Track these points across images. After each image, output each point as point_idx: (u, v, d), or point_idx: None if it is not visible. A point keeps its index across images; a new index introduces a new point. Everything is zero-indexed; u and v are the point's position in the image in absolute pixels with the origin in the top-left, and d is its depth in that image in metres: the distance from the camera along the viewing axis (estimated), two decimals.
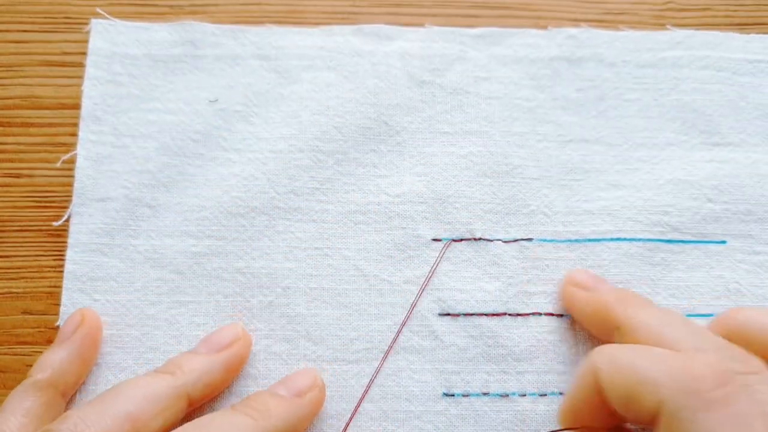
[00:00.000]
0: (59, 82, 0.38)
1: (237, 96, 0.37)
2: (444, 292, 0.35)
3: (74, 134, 0.36)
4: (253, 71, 0.38)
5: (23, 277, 0.35)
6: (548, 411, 0.33)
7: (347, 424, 0.33)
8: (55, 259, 0.35)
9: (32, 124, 0.37)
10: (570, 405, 0.29)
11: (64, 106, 0.37)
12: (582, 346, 0.34)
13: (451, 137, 0.37)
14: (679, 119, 0.38)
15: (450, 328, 0.34)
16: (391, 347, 0.34)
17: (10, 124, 0.37)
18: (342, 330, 0.34)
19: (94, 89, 0.37)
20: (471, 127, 0.37)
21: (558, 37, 0.39)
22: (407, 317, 0.34)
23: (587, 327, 0.33)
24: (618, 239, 0.36)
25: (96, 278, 0.34)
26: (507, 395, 0.33)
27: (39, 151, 0.37)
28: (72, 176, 0.36)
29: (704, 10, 0.40)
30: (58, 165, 0.36)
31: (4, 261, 0.35)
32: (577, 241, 0.36)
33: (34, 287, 0.35)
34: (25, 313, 0.35)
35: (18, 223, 0.36)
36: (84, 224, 0.35)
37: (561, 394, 0.33)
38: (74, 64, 0.38)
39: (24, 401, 0.30)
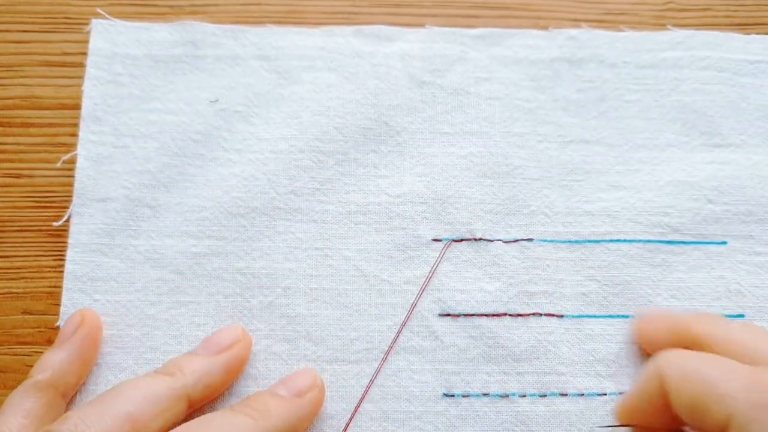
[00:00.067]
0: (59, 83, 0.37)
1: (237, 96, 0.37)
2: (444, 293, 0.35)
3: (74, 134, 0.36)
4: (254, 72, 0.38)
5: (23, 277, 0.35)
6: (548, 411, 0.33)
7: (347, 424, 0.33)
8: (55, 260, 0.35)
9: (32, 125, 0.37)
10: (630, 404, 0.28)
11: (64, 107, 0.37)
12: (583, 346, 0.34)
13: (452, 138, 0.37)
14: (680, 120, 0.38)
15: (450, 329, 0.34)
16: (391, 347, 0.34)
17: (10, 124, 0.37)
18: (342, 330, 0.34)
19: (95, 89, 0.37)
20: (471, 128, 0.37)
21: (558, 38, 0.39)
22: (407, 317, 0.34)
23: (658, 346, 0.31)
24: (618, 240, 0.36)
25: (96, 278, 0.34)
26: (507, 396, 0.33)
27: (39, 152, 0.37)
28: (72, 176, 0.36)
29: (705, 10, 0.40)
30: (59, 165, 0.36)
31: (4, 261, 0.35)
32: (577, 241, 0.36)
33: (34, 287, 0.35)
34: (25, 313, 0.35)
35: (18, 223, 0.36)
36: (84, 224, 0.35)
37: (561, 394, 0.33)
38: (74, 64, 0.38)
39: (24, 402, 0.30)
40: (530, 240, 0.36)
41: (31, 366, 0.31)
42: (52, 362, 0.31)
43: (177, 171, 0.36)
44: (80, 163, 0.36)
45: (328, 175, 0.36)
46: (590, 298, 0.35)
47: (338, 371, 0.33)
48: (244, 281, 0.35)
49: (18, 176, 0.36)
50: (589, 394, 0.33)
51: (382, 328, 0.34)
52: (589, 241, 0.36)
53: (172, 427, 0.29)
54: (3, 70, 0.38)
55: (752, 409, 0.23)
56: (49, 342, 0.34)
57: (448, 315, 0.34)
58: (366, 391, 0.33)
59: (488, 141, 0.37)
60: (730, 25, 0.40)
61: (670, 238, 0.36)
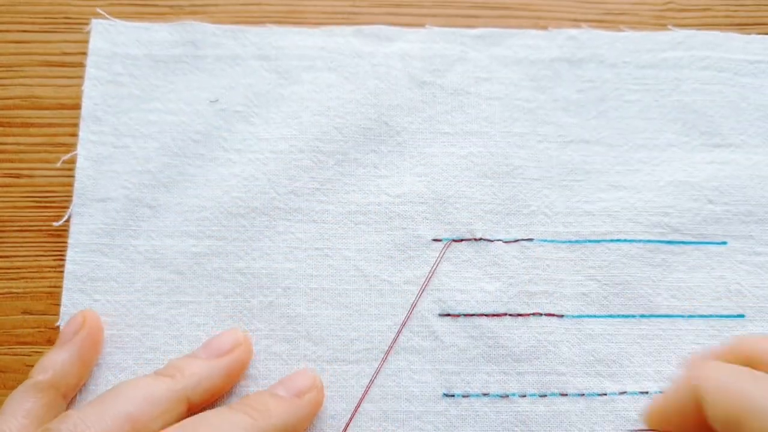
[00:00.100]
0: (59, 83, 0.37)
1: (237, 96, 0.37)
2: (444, 293, 0.35)
3: (74, 134, 0.36)
4: (254, 72, 0.38)
5: (23, 277, 0.35)
6: (548, 411, 0.33)
7: (347, 424, 0.33)
8: (55, 260, 0.35)
9: (32, 125, 0.37)
10: (661, 409, 0.28)
11: (64, 107, 0.37)
12: (583, 346, 0.34)
13: (452, 138, 0.37)
14: (680, 120, 0.38)
15: (450, 329, 0.34)
16: (391, 347, 0.34)
17: (10, 124, 0.37)
18: (342, 330, 0.34)
19: (95, 89, 0.37)
20: (471, 128, 0.37)
21: (558, 38, 0.39)
22: (407, 317, 0.34)
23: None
24: (619, 240, 0.36)
25: (96, 278, 0.34)
26: (507, 396, 0.33)
27: (39, 152, 0.37)
28: (72, 176, 0.36)
29: (704, 10, 0.40)
30: (59, 165, 0.36)
31: (4, 261, 0.35)
32: (577, 241, 0.36)
33: (34, 287, 0.35)
34: (25, 313, 0.34)
35: (18, 223, 0.36)
36: (84, 224, 0.35)
37: (561, 394, 0.33)
38: (74, 64, 0.38)
39: (25, 402, 0.30)
40: (530, 240, 0.36)
41: (31, 366, 0.31)
42: (53, 363, 0.31)
43: (177, 171, 0.36)
44: (80, 163, 0.36)
45: (328, 175, 0.36)
46: (590, 298, 0.35)
47: (338, 371, 0.33)
48: (244, 281, 0.35)
49: (18, 176, 0.36)
50: (590, 394, 0.33)
51: (382, 328, 0.34)
52: (590, 241, 0.36)
53: None
54: (3, 70, 0.38)
55: None
56: (49, 342, 0.34)
57: (449, 315, 0.34)
58: (366, 391, 0.33)
59: (488, 141, 0.37)
60: (730, 25, 0.40)
61: (670, 238, 0.36)
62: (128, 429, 0.27)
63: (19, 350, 0.34)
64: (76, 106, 0.37)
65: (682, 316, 0.35)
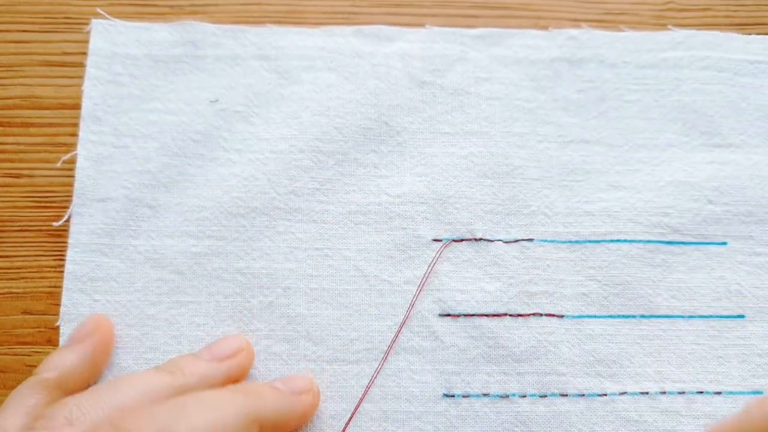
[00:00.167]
0: (59, 82, 0.37)
1: (237, 96, 0.37)
2: (444, 293, 0.35)
3: (74, 134, 0.36)
4: (254, 72, 0.38)
5: (23, 277, 0.35)
6: (548, 412, 0.33)
7: (347, 424, 0.33)
8: (55, 260, 0.35)
9: (32, 124, 0.37)
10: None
11: (64, 107, 0.37)
12: (583, 347, 0.34)
13: (452, 138, 0.37)
14: (680, 120, 0.38)
15: (450, 329, 0.34)
16: (390, 348, 0.34)
17: (10, 124, 0.37)
18: (342, 330, 0.34)
19: (95, 89, 0.37)
20: (472, 128, 0.37)
21: (558, 38, 0.39)
22: (406, 317, 0.34)
23: None
24: (619, 240, 0.36)
25: (96, 278, 0.34)
26: (507, 396, 0.33)
27: (39, 152, 0.37)
28: (72, 176, 0.36)
29: (704, 10, 0.40)
30: (59, 165, 0.36)
31: (4, 261, 0.35)
32: (577, 242, 0.36)
33: (35, 287, 0.35)
34: (25, 313, 0.34)
35: (18, 223, 0.36)
36: (84, 224, 0.35)
37: (562, 395, 0.33)
38: (74, 64, 0.38)
39: (28, 399, 0.29)
40: (530, 240, 0.36)
41: (32, 366, 0.31)
42: (62, 362, 0.31)
43: (177, 171, 0.36)
44: (80, 163, 0.36)
45: (328, 175, 0.36)
46: (590, 299, 0.35)
47: (338, 371, 0.33)
48: (244, 281, 0.35)
49: (18, 176, 0.36)
50: (590, 395, 0.33)
51: (382, 329, 0.34)
52: (590, 242, 0.36)
53: None
54: (3, 70, 0.38)
55: None
56: (49, 342, 0.34)
57: (449, 315, 0.34)
58: (366, 391, 0.33)
59: (488, 141, 0.37)
60: (730, 25, 0.40)
61: (670, 238, 0.36)
62: (122, 420, 0.27)
63: (19, 350, 0.34)
64: (76, 106, 0.37)
65: (682, 317, 0.35)
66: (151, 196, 0.35)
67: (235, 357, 0.32)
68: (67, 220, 0.35)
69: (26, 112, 0.37)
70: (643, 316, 0.35)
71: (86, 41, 0.38)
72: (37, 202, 0.36)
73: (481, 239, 0.36)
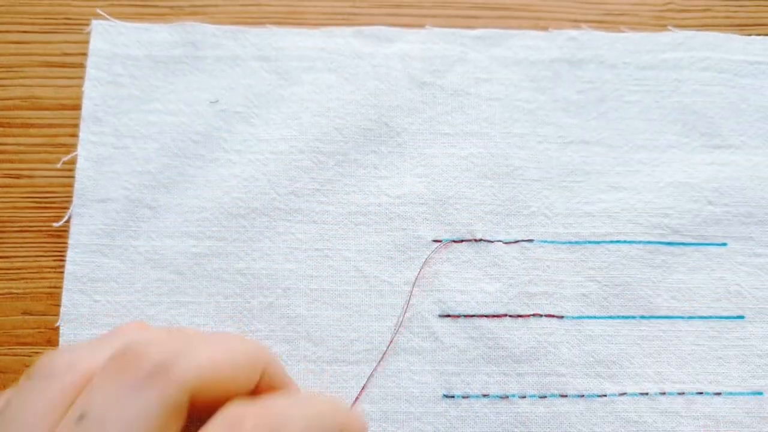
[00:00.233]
0: (59, 83, 0.37)
1: (237, 97, 0.37)
2: (444, 294, 0.35)
3: (74, 135, 0.36)
4: (254, 72, 0.38)
5: (23, 278, 0.35)
6: (548, 413, 0.33)
7: None
8: (55, 260, 0.35)
9: (32, 125, 0.37)
10: None
11: (64, 107, 0.37)
12: (583, 347, 0.34)
13: (452, 138, 0.37)
14: (680, 121, 0.38)
15: (450, 330, 0.34)
16: (388, 348, 0.34)
17: (10, 125, 0.37)
18: (342, 331, 0.34)
19: (95, 90, 0.37)
20: (472, 129, 0.37)
21: (558, 39, 0.39)
22: (402, 316, 0.34)
23: None
24: (618, 241, 0.36)
25: (96, 279, 0.34)
26: (507, 397, 0.33)
27: (39, 152, 0.37)
28: (72, 177, 0.36)
29: (704, 11, 0.40)
30: (59, 166, 0.36)
31: (4, 261, 0.35)
32: (577, 242, 0.36)
33: (34, 288, 0.35)
34: (25, 313, 0.34)
35: (18, 224, 0.36)
36: (84, 225, 0.35)
37: (561, 396, 0.33)
38: (74, 65, 0.38)
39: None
40: (530, 241, 0.36)
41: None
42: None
43: (177, 172, 0.36)
44: (80, 163, 0.36)
45: (329, 175, 0.36)
46: (590, 299, 0.35)
47: (338, 372, 0.33)
48: (244, 282, 0.35)
49: (18, 176, 0.36)
50: (590, 395, 0.33)
51: (382, 329, 0.34)
52: (590, 242, 0.36)
53: None
54: (3, 71, 0.38)
55: None
56: (49, 343, 0.34)
57: (449, 316, 0.34)
58: (361, 392, 0.33)
59: (488, 142, 0.37)
60: (730, 26, 0.40)
61: (670, 239, 0.36)
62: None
63: (19, 351, 0.34)
64: (77, 107, 0.37)
65: (682, 318, 0.35)
66: (152, 197, 0.35)
67: None
68: (67, 221, 0.35)
69: (26, 112, 0.37)
70: (642, 317, 0.35)
71: (86, 42, 0.38)
72: (37, 202, 0.36)
73: (481, 240, 0.36)
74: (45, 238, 0.35)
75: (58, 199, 0.36)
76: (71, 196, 0.35)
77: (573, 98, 0.38)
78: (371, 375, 0.33)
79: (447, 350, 0.34)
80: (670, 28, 0.40)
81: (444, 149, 0.37)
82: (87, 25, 0.38)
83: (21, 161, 0.36)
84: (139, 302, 0.34)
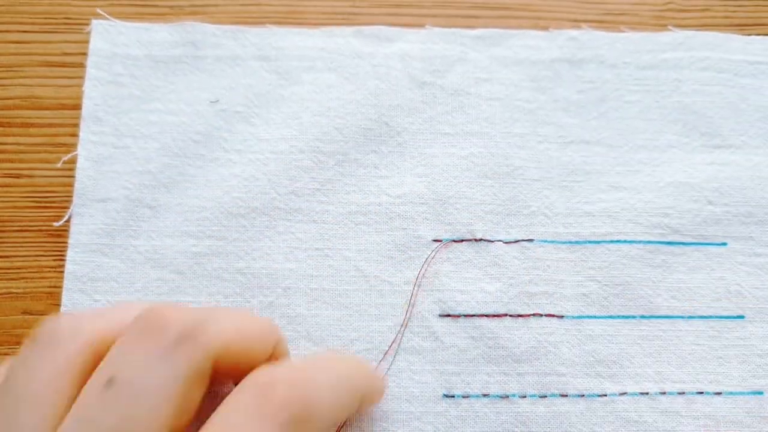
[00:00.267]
0: (59, 83, 0.37)
1: (238, 97, 0.37)
2: (444, 293, 0.35)
3: (74, 135, 0.36)
4: (254, 72, 0.38)
5: (23, 278, 0.35)
6: (548, 412, 0.33)
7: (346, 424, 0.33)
8: (55, 260, 0.35)
9: (32, 125, 0.37)
10: None
11: (64, 107, 0.37)
12: (583, 347, 0.34)
13: (452, 138, 0.37)
14: (680, 121, 0.38)
15: (450, 329, 0.34)
16: (390, 348, 0.34)
17: (10, 125, 0.37)
18: (342, 331, 0.34)
19: (95, 90, 0.37)
20: (472, 128, 0.37)
21: (559, 39, 0.39)
22: (407, 316, 0.34)
23: None
24: (619, 241, 0.36)
25: (96, 279, 0.34)
26: (507, 396, 0.33)
27: (39, 152, 0.37)
28: (72, 177, 0.36)
29: (704, 11, 0.40)
30: (59, 165, 0.36)
31: (4, 261, 0.35)
32: (577, 242, 0.36)
33: (34, 287, 0.35)
34: (25, 313, 0.34)
35: (18, 224, 0.36)
36: (84, 225, 0.35)
37: (562, 395, 0.33)
38: (74, 64, 0.38)
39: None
40: (531, 240, 0.36)
41: None
42: None
43: (177, 171, 0.36)
44: (80, 163, 0.36)
45: (329, 175, 0.36)
46: (590, 299, 0.35)
47: None
48: (244, 281, 0.35)
49: (18, 176, 0.36)
50: (590, 395, 0.33)
51: (382, 329, 0.34)
52: (590, 242, 0.36)
53: None
54: (3, 70, 0.38)
55: None
56: None
57: (449, 315, 0.34)
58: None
59: (489, 142, 0.37)
60: (730, 25, 0.40)
61: (670, 239, 0.36)
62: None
63: (18, 351, 0.34)
64: (77, 107, 0.37)
65: (682, 317, 0.35)
66: (152, 197, 0.35)
67: None
68: (68, 221, 0.35)
69: (26, 112, 0.37)
70: (643, 317, 0.35)
71: (86, 42, 0.38)
72: (37, 202, 0.36)
73: (481, 240, 0.36)
74: (45, 237, 0.35)
75: (58, 198, 0.36)
76: (71, 196, 0.35)
77: (573, 98, 0.38)
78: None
79: (447, 350, 0.34)
80: (670, 27, 0.40)
81: (444, 149, 0.37)
82: (87, 24, 0.38)
83: (21, 161, 0.36)
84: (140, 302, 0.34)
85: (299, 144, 0.36)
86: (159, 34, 0.38)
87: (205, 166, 0.36)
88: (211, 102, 0.37)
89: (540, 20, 0.40)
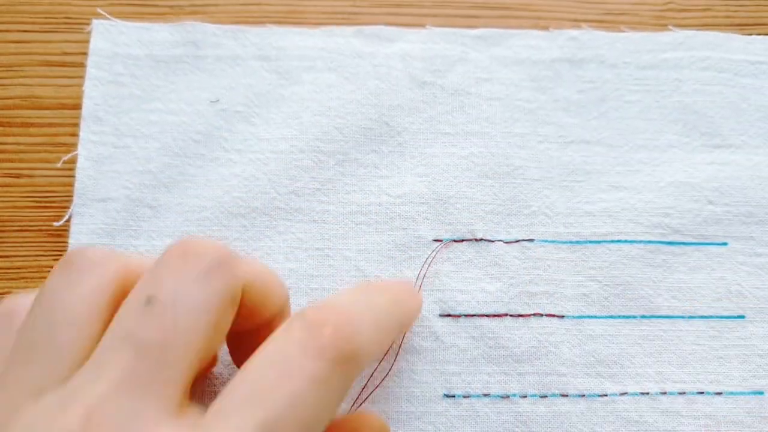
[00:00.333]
0: (60, 83, 0.37)
1: (238, 97, 0.37)
2: (445, 293, 0.35)
3: (75, 134, 0.36)
4: (254, 72, 0.38)
5: (23, 278, 0.35)
6: (549, 412, 0.33)
7: None
8: (55, 260, 0.35)
9: (32, 124, 0.37)
10: None
11: (64, 107, 0.37)
12: (584, 347, 0.34)
13: (453, 138, 0.37)
14: (681, 121, 0.38)
15: (451, 329, 0.34)
16: (389, 349, 0.34)
17: (10, 124, 0.37)
18: None
19: (96, 89, 0.37)
20: (472, 128, 0.37)
21: (559, 39, 0.39)
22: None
23: None
24: (619, 241, 0.36)
25: None
26: (508, 396, 0.33)
27: (39, 152, 0.36)
28: (72, 176, 0.36)
29: (705, 10, 0.40)
30: (59, 165, 0.36)
31: (4, 261, 0.35)
32: (578, 242, 0.36)
33: (34, 287, 0.35)
34: None
35: (18, 224, 0.36)
36: (85, 225, 0.35)
37: (562, 395, 0.33)
38: (75, 64, 0.38)
39: None
40: (531, 240, 0.36)
41: None
42: None
43: (178, 171, 0.36)
44: (81, 163, 0.36)
45: (329, 175, 0.36)
46: (591, 299, 0.35)
47: None
48: None
49: (18, 176, 0.36)
50: (590, 395, 0.33)
51: None
52: (590, 242, 0.36)
53: None
54: (3, 70, 0.38)
55: None
56: None
57: (449, 315, 0.34)
58: (361, 391, 0.33)
59: (489, 141, 0.37)
60: (731, 25, 0.40)
61: (670, 238, 0.36)
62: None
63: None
64: (77, 106, 0.37)
65: (683, 317, 0.35)
66: (152, 196, 0.35)
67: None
68: (68, 220, 0.35)
69: (26, 112, 0.37)
70: (643, 317, 0.35)
71: (87, 41, 0.38)
72: (37, 202, 0.36)
73: (481, 239, 0.36)
74: (45, 237, 0.35)
75: (58, 198, 0.36)
76: (71, 196, 0.35)
77: (574, 98, 0.38)
78: (371, 375, 0.33)
79: (448, 350, 0.34)
80: (670, 27, 0.40)
81: (444, 149, 0.37)
82: (87, 24, 0.38)
83: (21, 161, 0.36)
84: None
85: (299, 144, 0.36)
86: (159, 34, 0.38)
87: (206, 166, 0.36)
88: (212, 102, 0.37)
89: (540, 20, 0.40)
